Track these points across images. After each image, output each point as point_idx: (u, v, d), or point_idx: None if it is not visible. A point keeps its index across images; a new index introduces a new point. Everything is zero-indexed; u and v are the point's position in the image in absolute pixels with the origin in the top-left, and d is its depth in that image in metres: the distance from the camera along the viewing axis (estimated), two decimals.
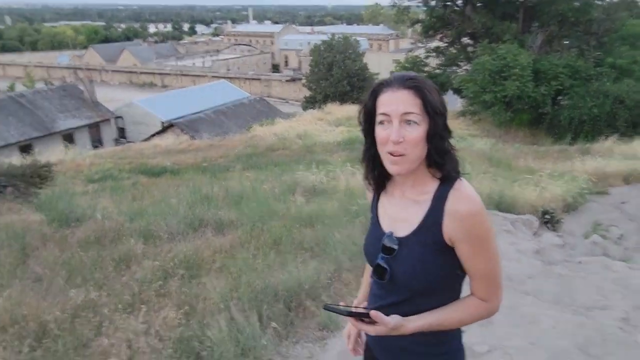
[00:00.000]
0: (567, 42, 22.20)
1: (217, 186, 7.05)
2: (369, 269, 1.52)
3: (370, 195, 1.44)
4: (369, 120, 1.26)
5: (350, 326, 1.52)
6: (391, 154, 1.19)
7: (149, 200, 6.87)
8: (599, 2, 20.86)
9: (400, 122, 1.18)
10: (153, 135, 25.09)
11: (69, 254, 3.88)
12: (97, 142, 26.85)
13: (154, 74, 54.30)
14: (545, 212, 5.86)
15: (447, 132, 1.22)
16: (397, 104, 1.18)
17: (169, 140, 22.11)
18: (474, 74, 18.45)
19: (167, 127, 25.58)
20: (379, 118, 1.22)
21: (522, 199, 6.07)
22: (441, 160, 1.21)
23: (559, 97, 19.41)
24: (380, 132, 1.21)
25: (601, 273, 4.31)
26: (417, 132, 1.18)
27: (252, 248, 3.86)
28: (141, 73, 55.18)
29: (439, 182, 1.24)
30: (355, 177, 6.82)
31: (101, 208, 5.95)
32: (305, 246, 3.96)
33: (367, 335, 1.47)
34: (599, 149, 12.16)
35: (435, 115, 1.18)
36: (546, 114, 18.74)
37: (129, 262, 3.90)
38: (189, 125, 25.22)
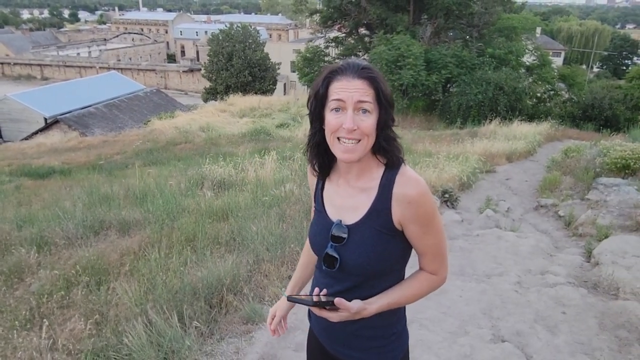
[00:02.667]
0: (452, 33, 23.97)
1: (117, 185, 6.58)
2: (306, 254, 1.52)
3: (312, 181, 1.43)
4: (319, 106, 1.24)
5: (277, 306, 1.52)
6: (339, 139, 1.20)
7: (39, 205, 6.21)
8: None
9: (354, 110, 1.18)
10: (35, 133, 22.64)
11: None
12: None
13: (31, 65, 48.78)
14: (444, 192, 6.30)
15: (393, 120, 1.25)
16: (352, 92, 1.18)
17: (55, 137, 20.20)
18: (372, 63, 19.05)
19: (51, 124, 23.18)
20: (332, 104, 1.20)
21: (424, 181, 6.46)
22: (388, 147, 1.24)
23: (449, 85, 20.97)
24: (332, 119, 1.20)
25: (495, 243, 4.76)
26: (370, 120, 1.19)
27: (163, 247, 3.66)
28: (15, 64, 49.32)
29: (384, 168, 1.26)
30: (264, 168, 6.76)
31: None
32: (221, 241, 3.86)
33: (312, 323, 1.47)
34: (484, 131, 13.34)
35: (386, 105, 1.21)
36: (438, 100, 20.15)
37: (21, 274, 3.52)
38: (78, 121, 23.13)
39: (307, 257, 1.55)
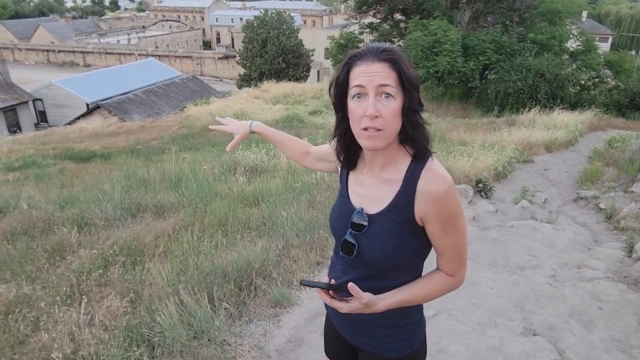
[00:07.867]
0: (491, 18, 23.15)
1: (153, 169, 6.76)
2: (297, 144, 1.64)
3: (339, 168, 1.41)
4: (340, 94, 1.20)
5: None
6: (366, 129, 1.14)
7: (80, 187, 6.47)
8: None
9: (376, 96, 1.12)
10: (78, 118, 23.53)
11: None
12: (14, 127, 24.78)
13: (74, 52, 50.48)
14: (478, 181, 6.16)
15: (421, 105, 1.18)
16: (372, 75, 1.12)
17: (96, 122, 20.90)
18: (407, 49, 18.81)
19: (93, 109, 24.02)
20: (353, 91, 1.16)
21: (457, 170, 6.34)
22: (415, 135, 1.18)
23: (486, 72, 20.33)
24: (354, 107, 1.15)
25: (530, 235, 4.63)
26: (393, 106, 1.13)
27: (196, 230, 3.75)
28: (60, 51, 51.12)
29: (411, 160, 1.21)
30: None
31: (26, 197, 5.53)
32: (252, 225, 3.91)
33: (329, 310, 1.46)
34: (523, 120, 12.90)
35: (410, 89, 1.14)
36: (475, 88, 19.61)
37: (63, 252, 3.68)
38: (118, 107, 23.85)
39: (294, 143, 1.65)
